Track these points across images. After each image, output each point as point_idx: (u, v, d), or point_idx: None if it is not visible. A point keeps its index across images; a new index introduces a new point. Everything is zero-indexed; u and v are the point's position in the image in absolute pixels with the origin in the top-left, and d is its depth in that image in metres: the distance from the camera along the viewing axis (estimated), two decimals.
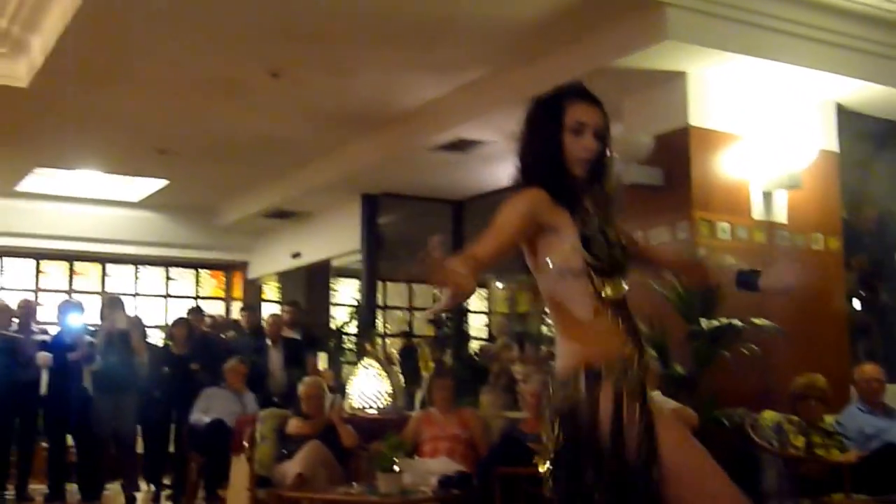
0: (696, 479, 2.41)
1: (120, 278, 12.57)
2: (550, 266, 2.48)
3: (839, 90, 6.58)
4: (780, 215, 6.42)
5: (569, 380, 2.43)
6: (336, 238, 10.67)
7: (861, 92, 6.62)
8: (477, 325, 12.04)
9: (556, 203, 2.48)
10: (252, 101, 7.78)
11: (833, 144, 6.73)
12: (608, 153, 2.58)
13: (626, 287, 2.51)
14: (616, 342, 2.46)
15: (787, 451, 5.50)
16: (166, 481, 8.96)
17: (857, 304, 7.35)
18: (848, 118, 6.87)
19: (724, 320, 5.42)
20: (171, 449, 8.97)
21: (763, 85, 6.38)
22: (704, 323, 5.40)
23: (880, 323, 7.54)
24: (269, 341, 9.37)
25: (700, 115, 6.19)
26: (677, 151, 6.17)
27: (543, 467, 2.50)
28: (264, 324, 9.68)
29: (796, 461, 5.47)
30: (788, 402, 5.82)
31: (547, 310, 2.60)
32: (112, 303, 8.75)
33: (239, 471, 7.15)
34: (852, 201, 7.28)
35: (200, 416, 8.31)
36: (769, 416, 5.68)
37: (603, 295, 2.45)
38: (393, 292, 12.57)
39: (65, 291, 12.14)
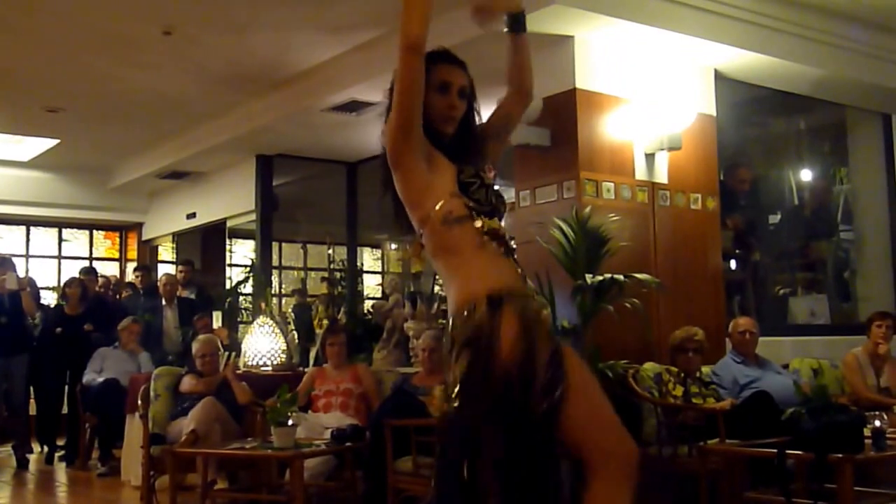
0: (591, 405, 2.55)
1: (11, 240, 12.28)
2: (434, 217, 2.61)
3: (717, 57, 6.82)
4: (662, 175, 6.64)
5: (470, 309, 2.51)
6: (231, 199, 10.63)
7: (738, 59, 6.88)
8: (371, 286, 12.15)
9: (435, 152, 2.66)
10: (144, 59, 7.67)
11: (711, 109, 6.99)
12: (475, 110, 2.81)
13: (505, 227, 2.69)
14: (510, 273, 2.61)
15: (666, 400, 5.76)
16: (60, 442, 8.91)
17: (732, 261, 7.68)
18: (725, 84, 7.15)
19: (608, 276, 5.59)
20: (65, 410, 8.92)
21: (646, 50, 6.59)
22: (589, 278, 5.56)
23: (753, 279, 7.92)
24: (163, 301, 9.35)
25: (586, 78, 6.34)
26: (564, 113, 6.32)
27: (445, 407, 2.56)
28: (158, 284, 9.64)
29: (675, 410, 5.73)
30: (668, 354, 6.10)
31: (436, 261, 2.70)
32: (1, 263, 8.61)
33: (133, 430, 7.19)
34: (728, 164, 7.60)
35: (94, 376, 8.29)
36: (650, 367, 5.94)
37: (487, 230, 2.61)
38: (288, 253, 12.59)
39: None
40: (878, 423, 4.76)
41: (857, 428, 4.73)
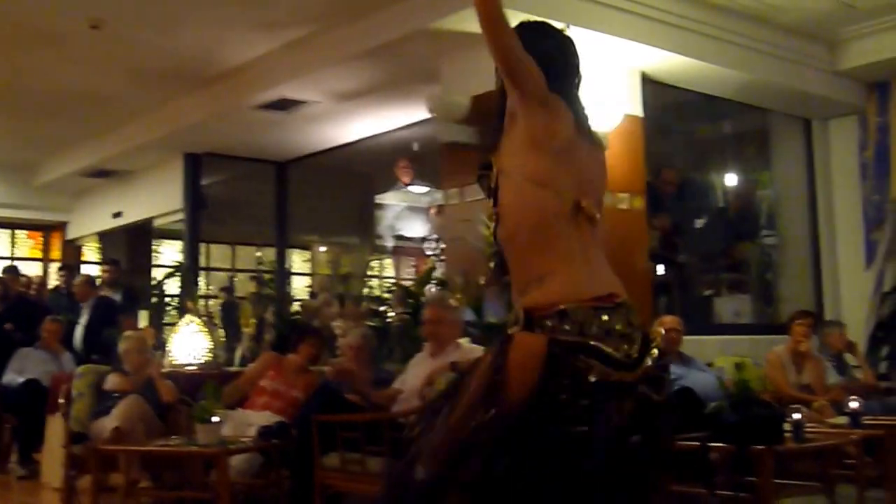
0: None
1: None
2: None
3: (644, 59, 6.92)
4: None
5: None
6: (158, 198, 10.50)
7: (664, 62, 6.99)
8: (300, 287, 12.08)
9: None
10: (71, 54, 7.55)
11: (638, 110, 7.09)
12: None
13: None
14: None
15: None
16: None
17: (659, 262, 7.80)
18: (652, 87, 7.27)
19: None
20: None
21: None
22: None
23: (680, 280, 8.06)
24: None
25: None
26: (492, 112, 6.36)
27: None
28: (74, 287, 9.46)
29: None
30: None
31: None
32: None
33: (54, 430, 7.02)
34: (655, 166, 7.72)
35: (14, 376, 8.11)
36: None
37: None
38: (217, 254, 12.46)
39: None
40: (797, 416, 4.89)
41: (777, 421, 4.85)
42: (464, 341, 5.38)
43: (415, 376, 5.25)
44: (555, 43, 2.54)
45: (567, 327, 2.28)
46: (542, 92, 2.37)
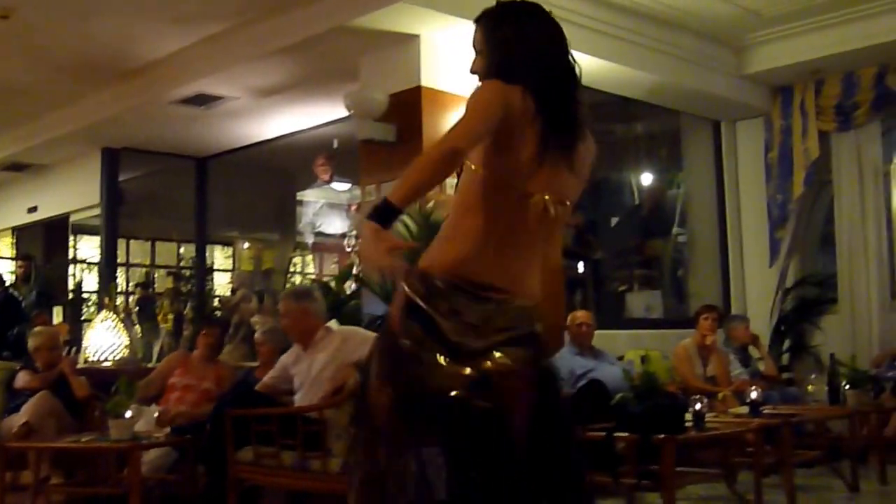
0: None
1: None
2: None
3: None
4: None
5: None
6: (75, 192, 10.33)
7: (588, 68, 7.13)
8: (222, 283, 12.01)
9: None
10: None
11: None
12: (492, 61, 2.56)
13: None
14: None
15: None
16: None
17: (574, 258, 7.96)
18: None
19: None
20: None
21: None
22: None
23: (594, 276, 8.24)
24: None
25: (431, 76, 6.48)
26: (410, 110, 6.43)
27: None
28: None
29: None
30: None
31: None
32: None
33: None
34: None
35: None
36: None
37: None
38: (137, 250, 12.32)
39: None
40: (698, 406, 5.07)
41: (680, 411, 5.03)
42: (332, 323, 5.39)
43: (306, 371, 5.20)
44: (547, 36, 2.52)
45: (421, 289, 2.36)
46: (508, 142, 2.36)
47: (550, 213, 2.40)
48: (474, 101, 2.37)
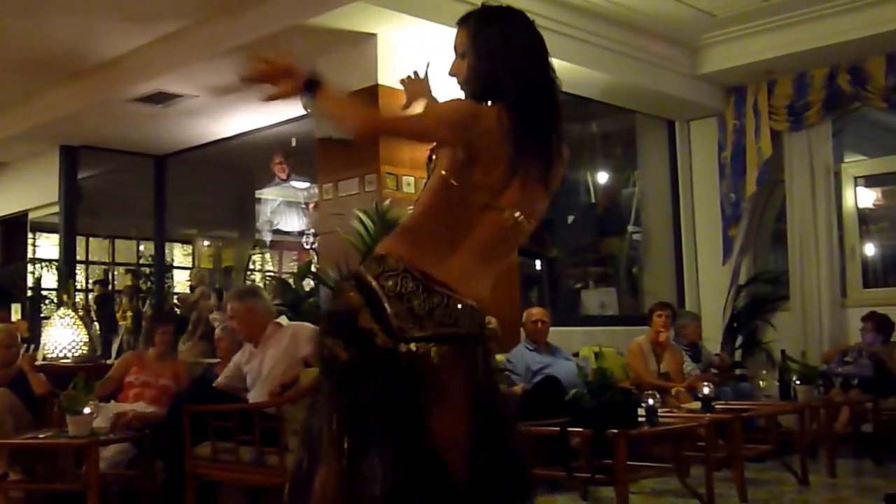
0: None
1: None
2: None
3: None
4: None
5: None
6: (33, 190, 10.26)
7: None
8: (182, 281, 11.99)
9: None
10: None
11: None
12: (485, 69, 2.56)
13: None
14: None
15: None
16: None
17: (528, 255, 8.04)
18: None
19: None
20: None
21: (448, 50, 6.82)
22: None
23: (550, 273, 8.34)
24: None
25: (389, 75, 6.47)
26: None
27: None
28: None
29: None
30: None
31: None
32: None
33: None
34: None
35: None
36: None
37: None
38: (96, 248, 12.25)
39: None
40: (650, 401, 5.16)
41: (632, 406, 5.12)
42: (282, 319, 5.43)
43: (257, 368, 5.24)
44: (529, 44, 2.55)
45: (375, 268, 2.41)
46: (477, 147, 2.38)
47: (520, 230, 2.44)
48: (436, 115, 2.50)
